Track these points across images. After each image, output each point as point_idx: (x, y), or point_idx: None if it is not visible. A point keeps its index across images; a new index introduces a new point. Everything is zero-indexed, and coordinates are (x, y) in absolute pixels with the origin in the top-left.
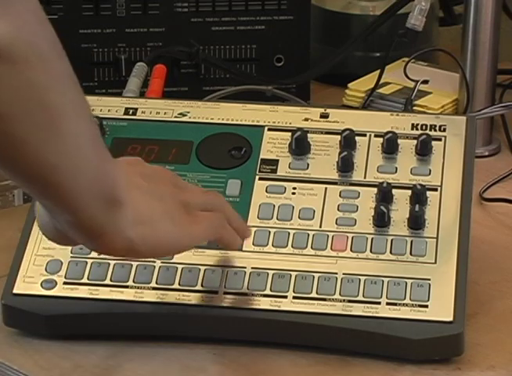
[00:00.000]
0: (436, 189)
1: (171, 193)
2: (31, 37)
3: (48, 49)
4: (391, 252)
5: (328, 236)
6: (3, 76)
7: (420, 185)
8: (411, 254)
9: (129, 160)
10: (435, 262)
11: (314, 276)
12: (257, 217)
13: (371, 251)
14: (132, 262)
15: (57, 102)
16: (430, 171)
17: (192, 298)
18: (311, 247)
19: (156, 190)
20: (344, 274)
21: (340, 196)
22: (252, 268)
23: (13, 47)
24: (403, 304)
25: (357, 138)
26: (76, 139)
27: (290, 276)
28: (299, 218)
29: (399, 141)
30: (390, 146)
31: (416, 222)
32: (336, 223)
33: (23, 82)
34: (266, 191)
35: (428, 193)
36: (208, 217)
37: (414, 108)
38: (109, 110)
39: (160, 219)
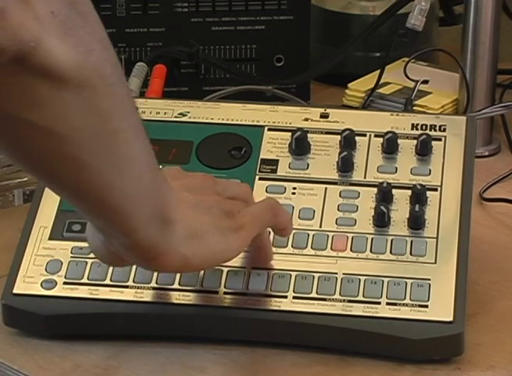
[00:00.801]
0: (436, 189)
1: (215, 202)
2: (98, 64)
3: (113, 75)
4: (391, 252)
5: (328, 236)
6: (70, 102)
7: (420, 185)
8: (411, 254)
9: (172, 172)
10: (435, 262)
11: (314, 276)
12: None
13: (371, 251)
14: None
15: (120, 127)
16: (430, 171)
17: (192, 298)
18: (311, 247)
19: (202, 203)
20: (344, 274)
21: (340, 196)
22: (252, 268)
23: (81, 73)
24: (403, 304)
25: (357, 138)
26: (135, 163)
27: (290, 276)
28: (299, 218)
29: (399, 141)
30: (390, 146)
31: (416, 222)
32: (336, 223)
33: (90, 108)
34: (266, 191)
35: (428, 193)
36: (250, 217)
37: (414, 108)
38: None
39: (209, 232)
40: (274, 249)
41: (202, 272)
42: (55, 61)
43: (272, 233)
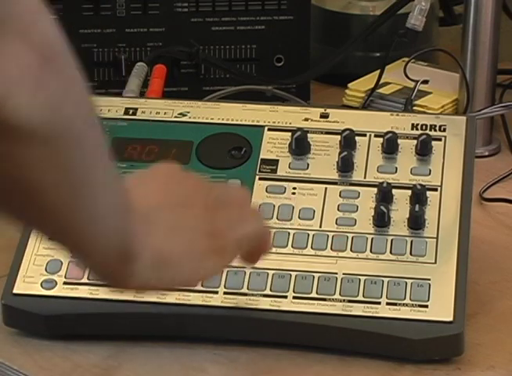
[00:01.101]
0: (436, 189)
1: (200, 221)
2: (67, 119)
3: (84, 127)
4: (391, 252)
5: (328, 236)
6: (39, 156)
7: (420, 185)
8: (411, 254)
9: (166, 171)
10: (435, 262)
11: (314, 276)
12: None
13: (371, 251)
14: None
15: (90, 175)
16: (430, 171)
17: (192, 298)
18: (311, 247)
19: (184, 222)
20: (344, 274)
21: (340, 196)
22: (252, 268)
23: (48, 129)
24: (403, 304)
25: (357, 138)
26: (104, 207)
27: (290, 276)
28: (299, 218)
29: (399, 141)
30: (390, 146)
31: (416, 222)
32: (336, 223)
33: (59, 161)
34: (266, 191)
35: (428, 193)
36: (235, 244)
37: (414, 108)
38: (109, 110)
39: (182, 259)
40: (274, 249)
41: None
42: (23, 117)
43: (271, 233)
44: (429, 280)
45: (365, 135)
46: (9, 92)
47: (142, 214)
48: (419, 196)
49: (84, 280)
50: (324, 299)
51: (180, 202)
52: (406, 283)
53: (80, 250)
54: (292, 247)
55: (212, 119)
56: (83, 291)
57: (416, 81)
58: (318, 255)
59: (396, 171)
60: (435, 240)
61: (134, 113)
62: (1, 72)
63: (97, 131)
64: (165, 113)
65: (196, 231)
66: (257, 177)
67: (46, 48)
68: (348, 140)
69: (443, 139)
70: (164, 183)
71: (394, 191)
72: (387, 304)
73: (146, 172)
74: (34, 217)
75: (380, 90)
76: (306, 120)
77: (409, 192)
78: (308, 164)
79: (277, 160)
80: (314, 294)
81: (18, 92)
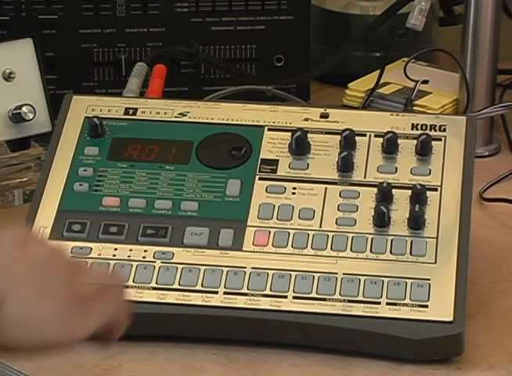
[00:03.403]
0: (436, 189)
1: (63, 283)
2: None
3: None
4: (391, 252)
5: (328, 236)
6: None
7: (420, 185)
8: (411, 254)
9: (20, 238)
10: (435, 262)
11: (314, 276)
12: (257, 217)
13: (371, 251)
14: (132, 262)
15: None
16: (430, 171)
17: (192, 298)
18: (311, 247)
19: (46, 283)
20: (344, 274)
21: (340, 196)
22: (252, 268)
23: None
24: (403, 304)
25: (357, 138)
26: None
27: (290, 276)
28: (299, 218)
29: (399, 141)
30: (390, 146)
31: (416, 222)
32: (336, 223)
33: None
34: (266, 191)
35: (428, 193)
36: (101, 307)
37: (414, 108)
38: (109, 110)
39: (44, 319)
40: (274, 249)
41: (202, 272)
42: None
43: (271, 233)
44: (429, 280)
45: (365, 135)
46: None
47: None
48: (419, 196)
49: None
50: (324, 299)
51: (42, 262)
52: (406, 283)
53: None
54: (292, 247)
55: (212, 119)
56: None
57: (416, 81)
58: (318, 255)
59: (396, 171)
60: (435, 240)
61: (134, 113)
62: None
63: None
64: (165, 113)
65: (59, 293)
66: (257, 177)
67: None
68: (348, 140)
69: (443, 139)
70: (21, 244)
71: (394, 191)
72: (387, 304)
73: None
74: None
75: (380, 90)
76: (306, 120)
77: (409, 192)
78: (308, 164)
79: (277, 160)
80: (314, 294)
81: None
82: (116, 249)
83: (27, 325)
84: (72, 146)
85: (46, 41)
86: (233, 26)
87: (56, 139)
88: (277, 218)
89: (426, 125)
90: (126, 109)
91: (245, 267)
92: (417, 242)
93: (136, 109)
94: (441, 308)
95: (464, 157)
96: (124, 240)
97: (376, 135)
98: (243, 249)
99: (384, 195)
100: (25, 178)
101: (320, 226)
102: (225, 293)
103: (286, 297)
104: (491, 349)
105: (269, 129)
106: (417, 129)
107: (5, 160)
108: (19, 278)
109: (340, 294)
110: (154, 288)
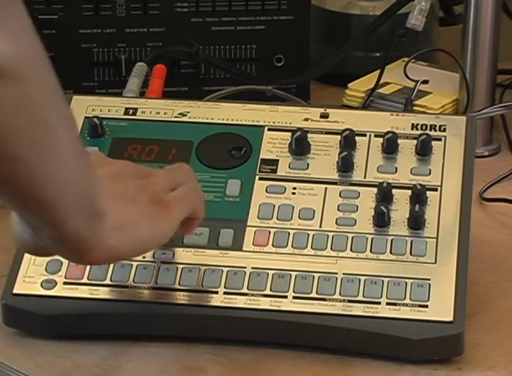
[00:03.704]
0: (436, 189)
1: (140, 188)
2: (30, 55)
3: (44, 65)
4: (391, 252)
5: (328, 236)
6: (6, 94)
7: (420, 185)
8: (411, 254)
9: (95, 160)
10: (435, 262)
11: (314, 276)
12: (257, 217)
13: (371, 251)
14: (132, 262)
15: (52, 118)
16: (430, 171)
17: (192, 298)
18: (311, 247)
19: (127, 191)
20: (344, 274)
21: (340, 196)
22: (252, 268)
23: (15, 65)
24: (403, 304)
25: (357, 138)
26: (66, 155)
27: (290, 276)
28: (299, 218)
29: (399, 141)
30: (390, 146)
31: (416, 222)
32: (336, 223)
33: (24, 100)
34: (266, 191)
35: (428, 193)
36: (178, 199)
37: (414, 108)
38: (109, 110)
39: (137, 221)
40: (274, 249)
41: (202, 272)
42: None
43: (271, 233)
44: (429, 280)
45: (365, 135)
46: None
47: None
48: (419, 196)
49: (84, 280)
50: (324, 299)
51: (115, 174)
52: (406, 283)
53: (49, 209)
54: (292, 247)
55: (212, 119)
56: (83, 291)
57: (416, 81)
58: (318, 255)
59: (396, 171)
60: (435, 240)
61: (134, 113)
62: None
63: (55, 78)
64: (165, 113)
65: (140, 197)
66: (257, 177)
67: None
68: (348, 140)
69: (443, 139)
70: (98, 165)
71: (394, 191)
72: (387, 304)
73: None
74: (1, 170)
75: (380, 90)
76: (306, 120)
77: (409, 192)
78: (308, 164)
79: (277, 160)
80: (314, 294)
81: None
82: None
83: (124, 232)
84: None
85: (46, 41)
86: (233, 26)
87: None
88: (277, 218)
89: (426, 125)
90: (126, 109)
91: (245, 267)
92: (417, 242)
93: (136, 109)
94: (441, 308)
95: (464, 157)
96: None
97: (376, 135)
98: (243, 249)
99: (384, 195)
100: None
101: (320, 226)
102: (225, 293)
103: (286, 297)
104: (491, 349)
105: (269, 129)
106: (417, 129)
107: None
108: (109, 192)
109: (340, 294)
110: (154, 288)
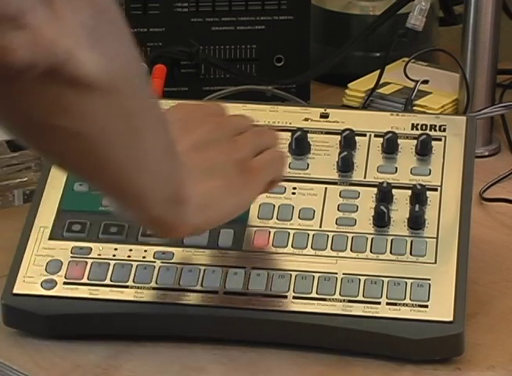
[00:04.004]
0: (436, 189)
1: (227, 155)
2: (123, 67)
3: (137, 75)
4: (391, 252)
5: (328, 236)
6: (98, 106)
7: (420, 185)
8: (411, 254)
9: (187, 125)
10: (435, 262)
11: (314, 276)
12: (257, 217)
13: (371, 251)
14: (132, 262)
15: (143, 124)
16: (430, 171)
17: (192, 298)
18: (311, 247)
19: (213, 164)
20: (344, 274)
21: (340, 196)
22: (252, 268)
23: (108, 79)
24: (403, 304)
25: (357, 138)
26: (157, 153)
27: (290, 276)
28: (299, 218)
29: (399, 141)
30: (390, 146)
31: (416, 222)
32: (336, 223)
33: (115, 110)
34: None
35: (428, 193)
36: (263, 164)
37: (414, 108)
38: None
39: (220, 198)
40: (274, 249)
41: (202, 272)
42: (85, 70)
43: (271, 233)
44: (429, 280)
45: (365, 135)
46: (72, 50)
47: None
48: (419, 196)
49: (84, 280)
50: (324, 299)
51: (204, 142)
52: (406, 283)
53: (135, 200)
54: (292, 247)
55: None
56: (83, 291)
57: (416, 81)
58: (318, 255)
59: (396, 171)
60: (435, 240)
61: None
62: (63, 33)
63: (146, 80)
64: None
65: (227, 170)
66: None
67: (99, 0)
68: (348, 140)
69: (443, 139)
70: (185, 122)
71: (394, 191)
72: (387, 304)
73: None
74: (93, 169)
75: (380, 90)
76: (306, 120)
77: (409, 192)
78: (308, 164)
79: None
80: (314, 294)
81: (79, 48)
82: (116, 249)
83: (208, 210)
84: None
85: None
86: (233, 26)
87: None
88: (277, 218)
89: (426, 125)
90: None
91: (245, 267)
92: (417, 242)
93: None
94: (441, 308)
95: (464, 157)
96: (124, 240)
97: (376, 135)
98: (243, 249)
99: (384, 195)
100: (25, 178)
101: (320, 226)
102: (225, 293)
103: (286, 297)
104: (491, 349)
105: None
106: (417, 129)
107: (5, 160)
108: (193, 171)
109: (340, 294)
110: (154, 288)
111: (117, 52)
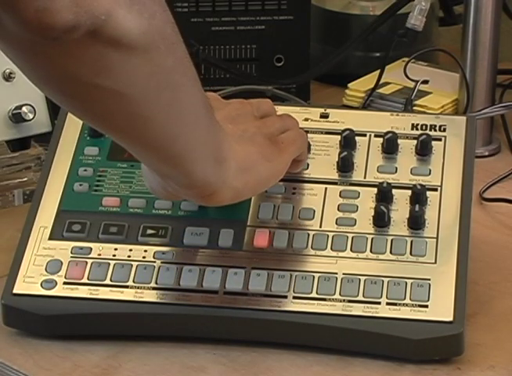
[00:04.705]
0: (436, 189)
1: (257, 128)
2: (160, 26)
3: (173, 33)
4: (391, 252)
5: (328, 236)
6: (138, 65)
7: (420, 185)
8: (411, 254)
9: (215, 104)
10: (435, 262)
11: (314, 276)
12: (257, 217)
13: (371, 251)
14: (132, 262)
15: (181, 81)
16: (430, 171)
17: (192, 298)
18: (311, 247)
19: (246, 133)
20: (344, 274)
21: (340, 196)
22: (252, 268)
23: (146, 38)
24: (403, 304)
25: (357, 138)
26: (195, 112)
27: (290, 276)
28: (299, 218)
29: (399, 141)
30: (390, 146)
31: (416, 222)
32: (336, 223)
33: (155, 68)
34: (266, 191)
35: (428, 193)
36: (290, 140)
37: (414, 108)
38: None
39: (256, 161)
40: (274, 249)
41: (202, 272)
42: (124, 30)
43: (271, 233)
44: (429, 280)
45: (365, 135)
46: (111, 10)
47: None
48: (419, 196)
49: (84, 280)
50: (324, 299)
51: (234, 116)
52: (406, 283)
53: (178, 160)
54: (292, 247)
55: None
56: (83, 291)
57: (416, 81)
58: (318, 255)
59: (396, 171)
60: (435, 240)
61: None
62: None
63: (183, 43)
64: None
65: (258, 138)
66: None
67: None
68: (348, 140)
69: (443, 139)
70: (217, 109)
71: (394, 191)
72: (387, 304)
73: None
74: (137, 130)
75: (380, 90)
76: (306, 120)
77: (409, 192)
78: (308, 164)
79: None
80: (314, 294)
81: (117, 8)
82: (116, 249)
83: (246, 173)
84: (72, 146)
85: None
86: (233, 26)
87: (56, 139)
88: (277, 218)
89: (426, 125)
90: None
91: (245, 267)
92: (417, 242)
93: None
94: (441, 308)
95: (464, 157)
96: (124, 240)
97: (376, 135)
98: (243, 249)
99: (384, 195)
100: (25, 178)
101: (320, 226)
102: (225, 293)
103: (286, 297)
104: (491, 349)
105: None
106: (417, 129)
107: (5, 160)
108: (231, 136)
109: (340, 294)
110: (154, 288)
111: (153, 12)
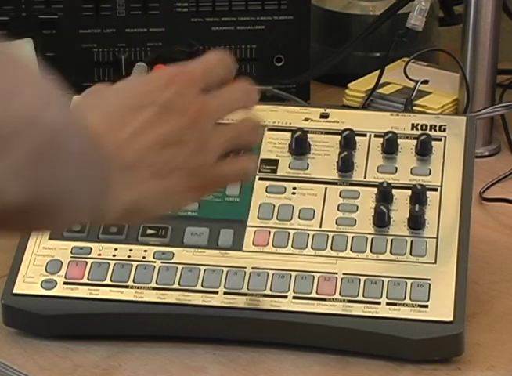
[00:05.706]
0: (436, 189)
1: (188, 157)
2: (50, 186)
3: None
4: (391, 252)
5: (328, 236)
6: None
7: (420, 185)
8: (411, 254)
9: (127, 115)
10: (435, 262)
11: (314, 276)
12: (257, 217)
13: (371, 251)
14: (132, 262)
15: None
16: (430, 171)
17: (192, 298)
18: (311, 247)
19: (165, 167)
20: (344, 274)
21: (340, 196)
22: (252, 268)
23: (34, 201)
24: (403, 304)
25: (357, 138)
26: (81, 194)
27: (290, 276)
28: (299, 218)
29: (399, 141)
30: (390, 146)
31: (416, 222)
32: (336, 223)
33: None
34: (266, 191)
35: (428, 193)
36: (223, 175)
37: (414, 108)
38: None
39: (156, 202)
40: (274, 249)
41: (202, 272)
42: (11, 202)
43: (271, 233)
44: (429, 280)
45: (365, 135)
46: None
47: (123, 162)
48: (419, 196)
49: (84, 280)
50: (324, 299)
51: (172, 137)
52: (406, 283)
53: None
54: (292, 247)
55: None
56: (83, 291)
57: (416, 81)
58: (318, 255)
59: (396, 171)
60: (435, 240)
61: None
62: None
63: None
64: None
65: (179, 171)
66: (257, 177)
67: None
68: (348, 140)
69: (443, 139)
70: (150, 123)
71: (394, 191)
72: (387, 304)
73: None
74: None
75: (380, 90)
76: (306, 120)
77: (409, 192)
78: (308, 164)
79: (277, 160)
80: (314, 294)
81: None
82: (116, 249)
83: (136, 215)
84: None
85: (46, 41)
86: (233, 26)
87: None
88: (277, 218)
89: (426, 125)
90: None
91: (245, 267)
92: (417, 242)
93: None
94: (441, 308)
95: (464, 157)
96: (124, 240)
97: (376, 135)
98: (243, 249)
99: (384, 195)
100: None
101: (320, 226)
102: (225, 293)
103: (286, 297)
104: (491, 349)
105: (269, 129)
106: (417, 129)
107: None
108: (144, 163)
109: (340, 294)
110: (154, 288)
111: (45, 183)
